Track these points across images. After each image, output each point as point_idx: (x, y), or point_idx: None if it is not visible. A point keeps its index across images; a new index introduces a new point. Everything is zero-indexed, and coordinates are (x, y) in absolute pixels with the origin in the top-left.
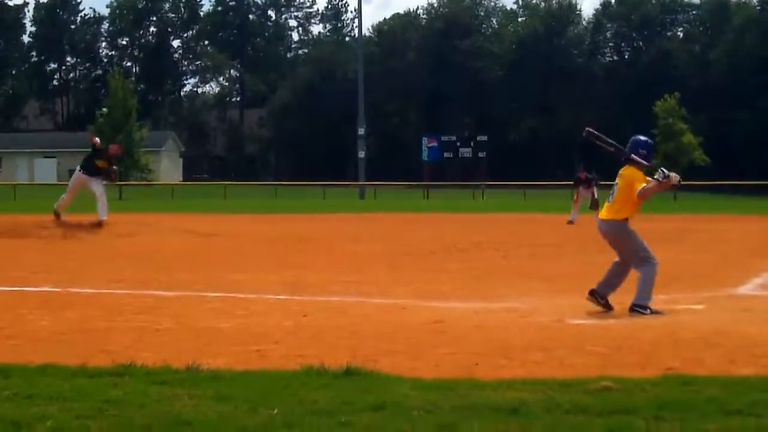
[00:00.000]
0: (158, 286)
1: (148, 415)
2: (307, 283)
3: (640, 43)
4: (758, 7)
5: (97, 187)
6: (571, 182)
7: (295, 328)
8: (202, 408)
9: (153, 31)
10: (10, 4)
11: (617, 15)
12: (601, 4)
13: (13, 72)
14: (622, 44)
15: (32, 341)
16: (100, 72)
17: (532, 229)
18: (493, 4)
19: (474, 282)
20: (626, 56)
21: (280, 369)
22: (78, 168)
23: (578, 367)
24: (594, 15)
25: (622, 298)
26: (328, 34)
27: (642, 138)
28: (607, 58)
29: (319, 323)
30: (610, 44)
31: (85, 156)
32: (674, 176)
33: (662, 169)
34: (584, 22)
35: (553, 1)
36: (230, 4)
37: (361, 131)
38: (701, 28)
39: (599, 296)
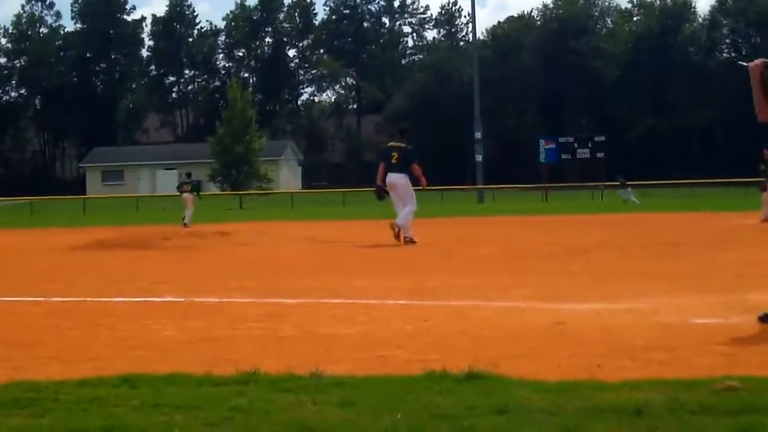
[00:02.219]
0: (280, 294)
1: (273, 422)
2: (427, 288)
3: (758, 39)
4: None
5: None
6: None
7: (416, 332)
8: (327, 414)
9: (269, 41)
10: (129, 19)
11: (733, 11)
12: (717, 1)
13: (133, 86)
14: (739, 40)
15: (157, 351)
16: (218, 83)
17: (653, 228)
18: (607, 3)
19: (595, 283)
20: (744, 52)
21: (403, 374)
22: None
23: (703, 366)
24: (710, 12)
25: (747, 296)
26: (442, 39)
27: None
28: (725, 55)
29: (440, 327)
30: (727, 41)
31: None
32: None
33: None
34: (700, 19)
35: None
36: (344, 12)
37: (478, 135)
38: None
39: None
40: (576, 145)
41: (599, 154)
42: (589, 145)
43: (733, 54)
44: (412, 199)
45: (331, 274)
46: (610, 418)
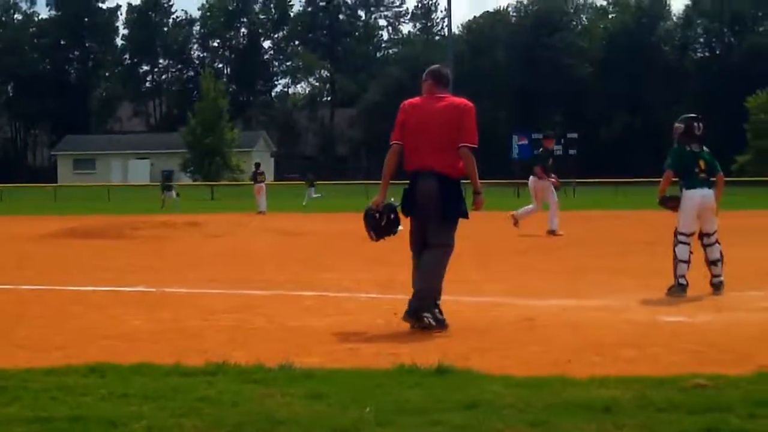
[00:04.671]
0: (251, 286)
1: (241, 414)
2: (398, 282)
3: (732, 39)
4: None
5: (554, 195)
6: None
7: (387, 326)
8: (295, 407)
9: (244, 32)
10: (104, 7)
11: (707, 11)
12: (691, 0)
13: (107, 74)
14: (713, 40)
15: (126, 341)
16: (192, 74)
17: (624, 226)
18: (582, 0)
19: (565, 280)
20: (717, 51)
21: (373, 367)
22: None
23: (671, 364)
24: (684, 11)
25: (716, 295)
26: (417, 33)
27: None
28: (698, 54)
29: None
30: (701, 40)
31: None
32: None
33: None
34: (674, 18)
35: None
36: (320, 4)
37: None
38: None
39: None
40: None
41: (572, 151)
42: (562, 141)
43: (707, 53)
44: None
45: (303, 266)
46: (578, 414)
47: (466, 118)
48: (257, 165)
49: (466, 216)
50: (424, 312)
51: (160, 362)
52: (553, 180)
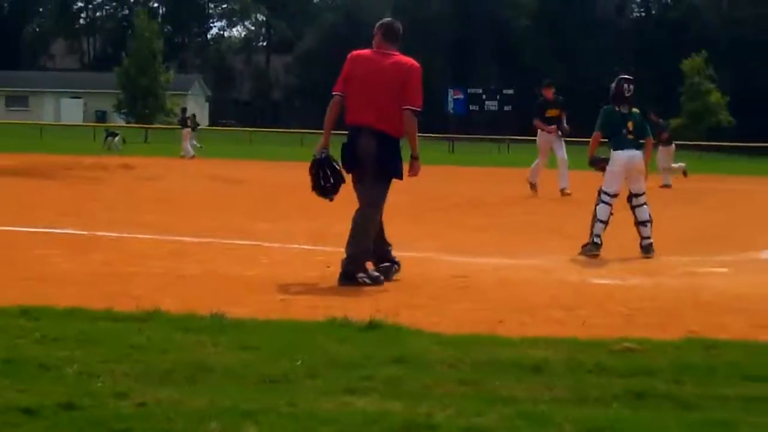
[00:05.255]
0: (183, 232)
1: (171, 361)
2: (332, 233)
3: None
4: None
5: (561, 150)
6: None
7: (319, 278)
8: (225, 356)
9: None
10: None
11: None
12: None
13: (40, 10)
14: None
15: (58, 284)
16: (126, 12)
17: (557, 184)
18: None
19: (498, 237)
20: (653, 12)
21: (304, 320)
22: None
23: (601, 327)
24: None
25: (646, 258)
26: None
27: None
28: (635, 14)
29: None
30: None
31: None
32: None
33: None
34: None
35: None
36: None
37: None
38: None
39: None
40: (484, 97)
41: (507, 107)
42: (498, 97)
43: (642, 13)
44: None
45: (236, 214)
46: (508, 373)
47: (412, 79)
48: (184, 110)
49: (400, 177)
50: (358, 273)
51: (92, 307)
52: (551, 129)
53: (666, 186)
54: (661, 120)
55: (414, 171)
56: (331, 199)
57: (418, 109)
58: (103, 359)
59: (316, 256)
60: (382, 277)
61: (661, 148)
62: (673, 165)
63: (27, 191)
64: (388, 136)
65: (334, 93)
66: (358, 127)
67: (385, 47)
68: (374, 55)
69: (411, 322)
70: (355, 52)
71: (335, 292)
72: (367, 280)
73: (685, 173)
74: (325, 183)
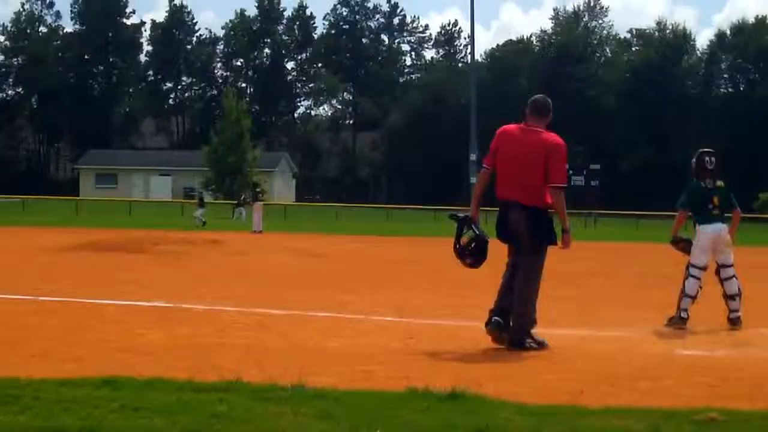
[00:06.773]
0: (268, 305)
1: (252, 430)
2: (415, 306)
3: (756, 75)
4: None
5: None
6: None
7: (401, 349)
8: (306, 426)
9: (267, 52)
10: (128, 23)
11: (732, 46)
12: (716, 35)
13: (131, 90)
14: (738, 76)
15: (141, 355)
16: (215, 92)
17: (643, 259)
18: (606, 32)
19: (583, 309)
20: (741, 88)
21: (385, 390)
22: None
23: (685, 397)
24: (709, 46)
25: (734, 334)
26: (441, 59)
27: None
28: (722, 90)
29: (425, 346)
30: (725, 75)
31: None
32: None
33: None
34: (698, 53)
35: (668, 31)
36: (344, 27)
37: (473, 156)
38: None
39: None
40: (571, 172)
41: (593, 182)
42: (584, 172)
43: (730, 89)
44: None
45: (320, 287)
46: None
47: (555, 158)
48: (255, 184)
49: (554, 242)
50: (524, 340)
51: (173, 377)
52: None
53: None
54: None
55: (565, 244)
56: (468, 264)
57: (563, 186)
58: (183, 429)
59: (397, 327)
60: (546, 342)
61: None
62: None
63: (116, 265)
64: (537, 209)
65: (483, 165)
66: (507, 202)
67: (533, 122)
68: (520, 132)
69: (493, 392)
70: (503, 127)
71: (416, 363)
72: (534, 345)
73: None
74: (461, 245)
